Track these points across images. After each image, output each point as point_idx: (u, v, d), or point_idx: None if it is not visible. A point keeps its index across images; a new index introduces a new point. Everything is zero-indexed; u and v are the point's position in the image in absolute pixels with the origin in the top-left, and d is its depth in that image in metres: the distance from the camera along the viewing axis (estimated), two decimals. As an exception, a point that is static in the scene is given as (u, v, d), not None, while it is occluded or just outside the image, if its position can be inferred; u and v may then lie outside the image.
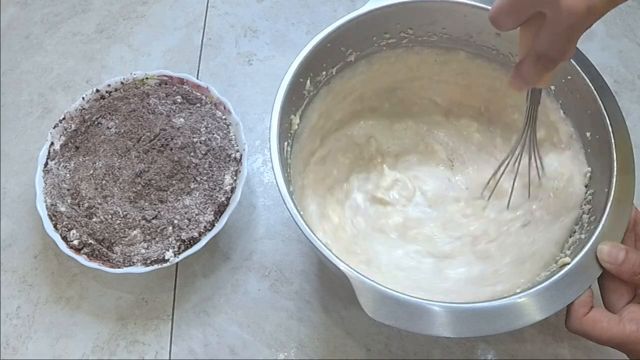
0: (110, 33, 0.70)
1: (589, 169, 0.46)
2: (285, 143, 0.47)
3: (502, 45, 0.51)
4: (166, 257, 0.49)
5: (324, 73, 0.51)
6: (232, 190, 0.53)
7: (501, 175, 0.51)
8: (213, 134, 0.55)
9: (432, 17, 0.51)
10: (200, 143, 0.54)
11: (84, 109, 0.58)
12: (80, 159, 0.55)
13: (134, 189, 0.52)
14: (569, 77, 0.47)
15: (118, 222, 0.51)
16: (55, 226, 0.52)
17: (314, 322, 0.52)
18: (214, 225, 0.51)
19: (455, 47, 0.54)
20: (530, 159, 0.49)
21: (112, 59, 0.68)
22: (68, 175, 0.54)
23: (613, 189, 0.42)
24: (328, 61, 0.51)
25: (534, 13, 0.35)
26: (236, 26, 0.70)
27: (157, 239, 0.51)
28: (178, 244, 0.50)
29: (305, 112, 0.51)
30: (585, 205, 0.45)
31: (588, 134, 0.47)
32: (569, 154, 0.49)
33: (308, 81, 0.50)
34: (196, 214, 0.51)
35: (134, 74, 0.59)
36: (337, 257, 0.40)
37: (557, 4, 0.33)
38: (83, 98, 0.58)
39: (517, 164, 0.49)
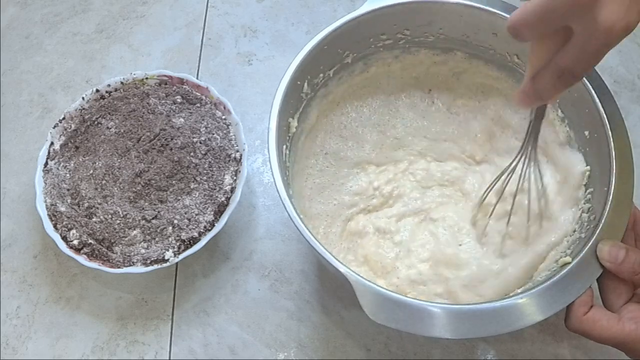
0: (110, 33, 0.70)
1: (588, 167, 0.46)
2: (284, 146, 0.47)
3: (499, 45, 0.51)
4: (166, 257, 0.49)
5: (321, 75, 0.51)
6: (232, 190, 0.53)
7: (494, 188, 0.49)
8: (213, 134, 0.55)
9: (429, 18, 0.51)
10: (200, 143, 0.54)
11: (83, 109, 0.58)
12: (80, 159, 0.55)
13: (133, 189, 0.52)
14: (567, 76, 0.47)
15: (118, 222, 0.51)
16: (55, 226, 0.52)
17: (314, 322, 0.52)
18: (214, 225, 0.51)
19: (452, 48, 0.54)
20: (530, 176, 0.46)
21: (112, 59, 0.68)
22: (68, 175, 0.54)
23: (612, 188, 0.42)
24: (325, 63, 0.51)
25: (558, 27, 0.33)
26: (236, 26, 0.70)
27: (157, 239, 0.51)
28: (178, 244, 0.50)
29: (303, 114, 0.51)
30: (584, 204, 0.45)
31: (586, 133, 0.47)
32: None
33: (305, 84, 0.50)
34: (196, 214, 0.51)
35: (134, 74, 0.59)
36: (337, 259, 0.40)
37: (593, 21, 0.31)
38: (83, 98, 0.58)
39: (520, 179, 0.47)
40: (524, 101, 0.38)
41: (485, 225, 0.50)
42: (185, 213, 0.51)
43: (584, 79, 0.46)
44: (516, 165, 0.46)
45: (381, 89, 0.57)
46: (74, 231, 0.51)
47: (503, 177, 0.48)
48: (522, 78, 0.52)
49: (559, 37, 0.34)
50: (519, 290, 0.40)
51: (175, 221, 0.51)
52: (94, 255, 0.50)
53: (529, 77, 0.37)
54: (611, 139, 0.43)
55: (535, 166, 0.46)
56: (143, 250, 0.50)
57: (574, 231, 0.45)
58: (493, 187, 0.49)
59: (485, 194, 0.50)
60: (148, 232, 0.51)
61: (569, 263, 0.40)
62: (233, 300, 0.53)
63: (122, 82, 0.59)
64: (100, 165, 0.54)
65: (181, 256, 0.50)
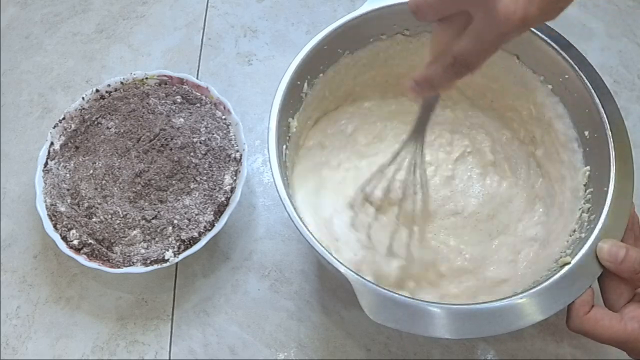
0: (110, 33, 0.70)
1: (588, 167, 0.46)
2: (284, 146, 0.47)
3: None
4: (166, 257, 0.49)
5: (320, 75, 0.51)
6: (232, 190, 0.53)
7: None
8: (213, 134, 0.55)
9: (429, 18, 0.51)
10: (200, 143, 0.54)
11: (83, 109, 0.58)
12: (80, 159, 0.55)
13: (133, 189, 0.52)
14: (567, 76, 0.47)
15: (118, 222, 0.51)
16: (55, 226, 0.52)
17: (314, 322, 0.52)
18: (213, 225, 0.51)
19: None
20: (415, 167, 0.47)
21: (112, 59, 0.68)
22: (68, 175, 0.54)
23: (612, 187, 0.42)
24: (324, 63, 0.51)
25: (458, 11, 0.32)
26: (236, 26, 0.70)
27: (157, 239, 0.51)
28: (178, 244, 0.50)
29: (303, 114, 0.51)
30: (584, 204, 0.45)
31: (586, 133, 0.47)
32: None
33: (305, 84, 0.50)
34: (196, 214, 0.51)
35: (134, 74, 0.59)
36: (337, 259, 0.40)
37: (490, 9, 0.30)
38: (83, 98, 0.58)
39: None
40: (414, 90, 0.36)
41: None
42: (185, 213, 0.51)
43: (584, 78, 0.46)
44: (404, 156, 0.46)
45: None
46: (74, 231, 0.51)
47: (391, 168, 0.48)
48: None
49: (460, 23, 0.33)
50: (519, 290, 0.40)
51: (175, 221, 0.51)
52: (94, 255, 0.50)
53: (426, 64, 0.35)
54: (611, 139, 0.43)
55: (422, 158, 0.46)
56: (143, 250, 0.50)
57: (574, 231, 0.45)
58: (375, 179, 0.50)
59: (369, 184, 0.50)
60: (148, 232, 0.51)
61: (569, 263, 0.40)
62: (233, 300, 0.53)
63: (122, 82, 0.59)
64: (100, 165, 0.54)
65: (181, 256, 0.50)
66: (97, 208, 0.52)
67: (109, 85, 0.59)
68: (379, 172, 0.49)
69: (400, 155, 0.47)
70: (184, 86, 0.59)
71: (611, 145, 0.43)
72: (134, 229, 0.51)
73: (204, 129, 0.56)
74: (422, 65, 0.36)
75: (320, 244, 0.40)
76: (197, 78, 0.63)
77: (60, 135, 0.56)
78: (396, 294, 0.38)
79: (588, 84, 0.46)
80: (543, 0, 0.30)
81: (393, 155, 0.47)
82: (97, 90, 0.58)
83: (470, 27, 0.32)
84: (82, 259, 0.50)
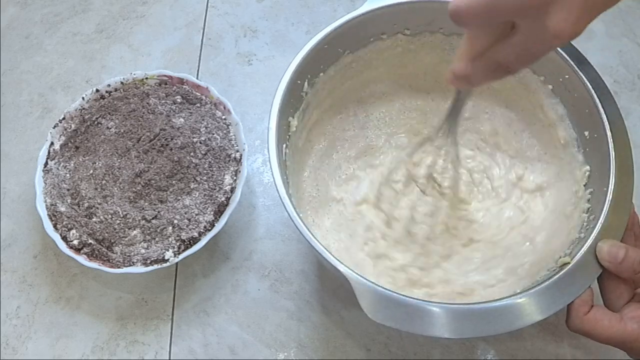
0: (110, 33, 0.70)
1: (588, 167, 0.46)
2: (284, 145, 0.47)
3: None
4: (166, 257, 0.49)
5: (321, 74, 0.51)
6: (232, 190, 0.53)
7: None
8: (213, 134, 0.55)
9: (429, 17, 0.51)
10: (200, 143, 0.54)
11: (83, 108, 0.58)
12: (80, 159, 0.55)
13: (133, 189, 0.52)
14: (567, 77, 0.47)
15: (118, 222, 0.51)
16: (55, 226, 0.52)
17: (313, 322, 0.52)
18: (213, 225, 0.51)
19: (452, 47, 0.54)
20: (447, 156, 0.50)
21: (112, 59, 0.68)
22: (68, 175, 0.54)
23: (612, 188, 0.42)
24: (325, 62, 0.51)
25: (504, 21, 0.33)
26: (236, 26, 0.70)
27: (157, 239, 0.51)
28: (178, 244, 0.50)
29: (303, 113, 0.51)
30: (584, 204, 0.45)
31: (586, 133, 0.47)
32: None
33: (305, 83, 0.50)
34: (196, 214, 0.51)
35: (134, 74, 0.59)
36: (336, 258, 0.40)
37: (541, 24, 0.30)
38: (83, 98, 0.58)
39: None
40: (453, 82, 0.37)
41: None
42: (185, 213, 0.51)
43: (584, 78, 0.46)
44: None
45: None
46: (74, 231, 0.51)
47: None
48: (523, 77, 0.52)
49: (501, 29, 0.33)
50: (519, 290, 0.40)
51: (175, 221, 0.51)
52: (94, 255, 0.50)
53: (464, 59, 0.36)
54: (611, 139, 0.43)
55: (454, 147, 0.49)
56: (143, 250, 0.50)
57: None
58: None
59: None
60: (148, 232, 0.51)
61: (569, 263, 0.40)
62: (233, 300, 0.53)
63: (122, 82, 0.59)
64: (100, 165, 0.54)
65: (181, 256, 0.50)
66: (97, 208, 0.52)
67: (109, 85, 0.59)
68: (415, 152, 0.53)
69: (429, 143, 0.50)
70: (184, 86, 0.59)
71: (611, 145, 0.43)
72: (134, 229, 0.51)
73: (204, 129, 0.56)
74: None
75: (321, 244, 0.40)
76: (197, 78, 0.63)
77: (60, 135, 0.56)
78: (395, 293, 0.38)
79: (588, 84, 0.46)
80: (589, 17, 0.31)
81: (423, 140, 0.51)
82: (97, 90, 0.58)
83: (517, 37, 0.32)
84: (82, 259, 0.50)
